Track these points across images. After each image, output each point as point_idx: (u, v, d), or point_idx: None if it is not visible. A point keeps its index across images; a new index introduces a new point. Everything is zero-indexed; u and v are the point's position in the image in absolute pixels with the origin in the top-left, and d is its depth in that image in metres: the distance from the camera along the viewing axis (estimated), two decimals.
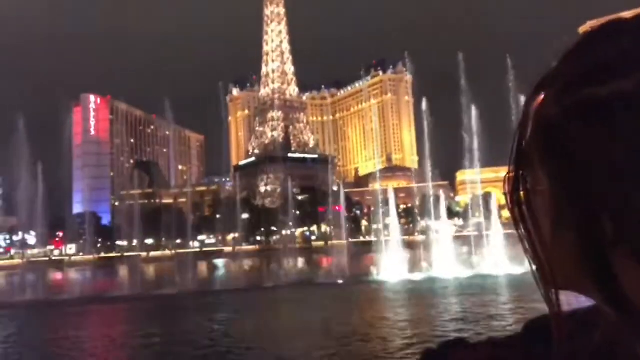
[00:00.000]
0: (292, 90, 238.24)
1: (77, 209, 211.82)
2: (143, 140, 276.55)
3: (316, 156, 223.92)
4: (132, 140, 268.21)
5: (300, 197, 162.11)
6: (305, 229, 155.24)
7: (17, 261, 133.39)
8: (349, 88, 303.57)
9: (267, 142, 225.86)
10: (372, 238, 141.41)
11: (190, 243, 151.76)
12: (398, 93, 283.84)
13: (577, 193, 0.53)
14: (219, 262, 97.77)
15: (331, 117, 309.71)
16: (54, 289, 48.77)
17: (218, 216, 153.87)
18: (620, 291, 0.51)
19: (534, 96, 0.61)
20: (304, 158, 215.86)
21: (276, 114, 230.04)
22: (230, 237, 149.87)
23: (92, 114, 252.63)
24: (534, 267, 0.61)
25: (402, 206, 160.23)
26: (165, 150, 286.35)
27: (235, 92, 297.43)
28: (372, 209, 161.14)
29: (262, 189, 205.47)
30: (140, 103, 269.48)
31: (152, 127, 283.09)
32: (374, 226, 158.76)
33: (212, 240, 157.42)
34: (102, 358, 17.16)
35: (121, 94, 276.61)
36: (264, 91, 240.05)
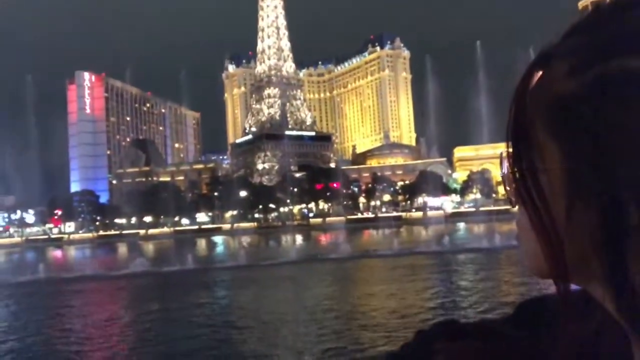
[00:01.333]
0: (289, 66, 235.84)
1: (74, 187, 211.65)
2: (139, 118, 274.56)
3: (313, 133, 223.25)
4: (127, 118, 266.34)
5: (297, 175, 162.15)
6: (303, 206, 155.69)
7: (16, 239, 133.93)
8: (346, 64, 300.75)
9: (263, 119, 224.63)
10: (370, 214, 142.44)
11: (188, 220, 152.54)
12: (396, 69, 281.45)
13: (599, 173, 0.49)
14: (218, 239, 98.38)
15: (328, 94, 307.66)
16: (54, 267, 49.04)
17: (215, 194, 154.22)
18: (629, 279, 0.48)
19: (534, 71, 0.58)
20: (301, 135, 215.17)
21: (272, 90, 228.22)
22: (228, 214, 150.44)
23: (87, 91, 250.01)
24: (528, 246, 0.58)
25: (400, 183, 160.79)
26: (161, 128, 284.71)
27: (231, 68, 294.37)
28: (369, 185, 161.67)
29: (260, 166, 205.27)
30: (135, 80, 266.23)
31: (148, 104, 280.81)
32: (372, 203, 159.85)
33: (210, 218, 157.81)
34: (102, 334, 17.41)
35: (116, 72, 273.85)
36: (259, 68, 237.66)
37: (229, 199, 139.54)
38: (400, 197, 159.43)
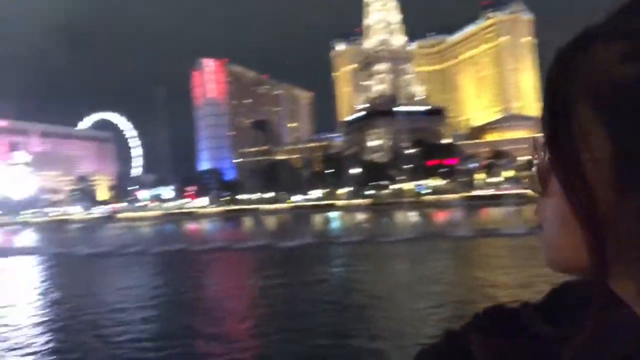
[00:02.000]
0: (398, 40, 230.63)
1: (203, 166, 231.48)
2: (257, 100, 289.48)
3: (425, 108, 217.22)
4: (247, 101, 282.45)
5: (410, 151, 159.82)
6: (416, 182, 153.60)
7: (157, 212, 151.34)
8: (459, 34, 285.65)
9: (373, 96, 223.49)
10: (489, 192, 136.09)
11: (303, 196, 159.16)
12: (515, 34, 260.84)
13: None
14: (333, 215, 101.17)
15: (440, 66, 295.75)
16: (187, 238, 54.37)
17: (328, 171, 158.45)
18: None
19: (575, 53, 0.54)
20: (412, 111, 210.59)
21: (381, 66, 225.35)
22: (340, 191, 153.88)
23: (211, 77, 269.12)
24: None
25: (523, 158, 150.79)
26: (277, 109, 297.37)
27: (340, 46, 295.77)
28: (488, 161, 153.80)
29: (371, 143, 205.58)
30: (253, 65, 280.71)
31: (265, 87, 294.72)
32: (491, 179, 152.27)
33: (323, 195, 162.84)
34: (237, 300, 19.32)
35: (236, 57, 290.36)
36: (367, 43, 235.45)
37: (341, 176, 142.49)
38: (524, 173, 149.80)
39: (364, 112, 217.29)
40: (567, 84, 0.53)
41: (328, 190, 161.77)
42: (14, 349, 13.84)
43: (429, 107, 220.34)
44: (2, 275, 32.44)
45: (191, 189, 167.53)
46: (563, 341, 0.58)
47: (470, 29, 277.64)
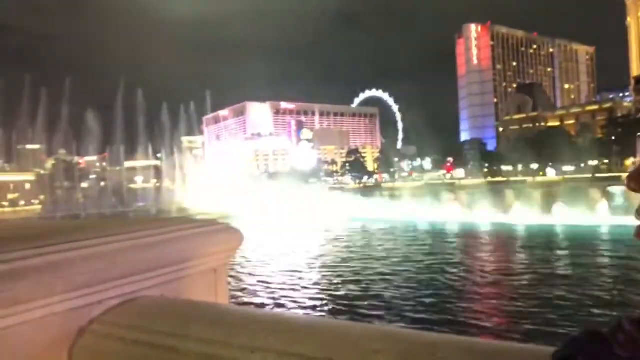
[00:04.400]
0: None
1: (464, 136, 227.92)
2: (525, 62, 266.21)
3: None
4: (514, 64, 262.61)
5: None
6: None
7: (418, 183, 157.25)
8: None
9: None
10: None
11: (575, 167, 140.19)
12: None
13: None
14: (616, 189, 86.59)
15: None
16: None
17: (613, 138, 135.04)
18: None
19: None
20: None
21: None
22: (629, 161, 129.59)
23: (474, 43, 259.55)
24: None
25: None
26: (549, 70, 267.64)
27: None
28: None
29: None
30: (521, 24, 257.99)
31: (535, 46, 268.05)
32: None
33: (606, 166, 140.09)
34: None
35: (503, 17, 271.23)
36: None
37: (628, 144, 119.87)
38: None
39: None
40: None
41: (611, 160, 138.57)
42: None
43: None
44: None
45: (449, 160, 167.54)
46: None
47: None
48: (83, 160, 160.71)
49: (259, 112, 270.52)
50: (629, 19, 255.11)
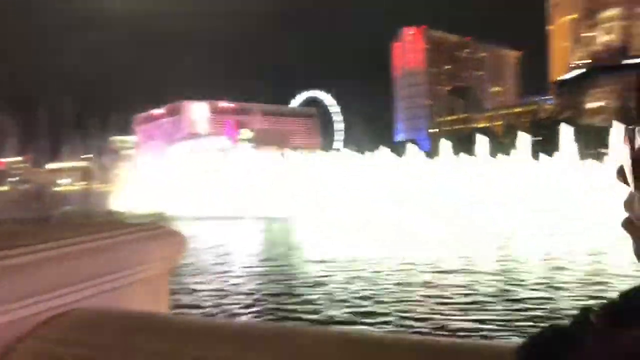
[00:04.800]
0: None
1: (400, 137, 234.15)
2: (459, 65, 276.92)
3: None
4: (448, 67, 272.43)
5: None
6: None
7: None
8: None
9: (597, 48, 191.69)
10: None
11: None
12: None
13: None
14: None
15: None
16: None
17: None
18: None
19: None
20: None
21: (611, 12, 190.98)
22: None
23: (409, 46, 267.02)
24: None
25: None
26: (480, 73, 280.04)
27: None
28: None
29: (590, 105, 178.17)
30: (455, 28, 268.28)
31: (467, 50, 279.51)
32: None
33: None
34: None
35: (438, 22, 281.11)
36: None
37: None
38: None
39: (583, 69, 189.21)
40: None
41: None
42: None
43: None
44: None
45: None
46: None
47: None
48: (2, 162, 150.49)
49: (197, 111, 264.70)
50: (550, 26, 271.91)
